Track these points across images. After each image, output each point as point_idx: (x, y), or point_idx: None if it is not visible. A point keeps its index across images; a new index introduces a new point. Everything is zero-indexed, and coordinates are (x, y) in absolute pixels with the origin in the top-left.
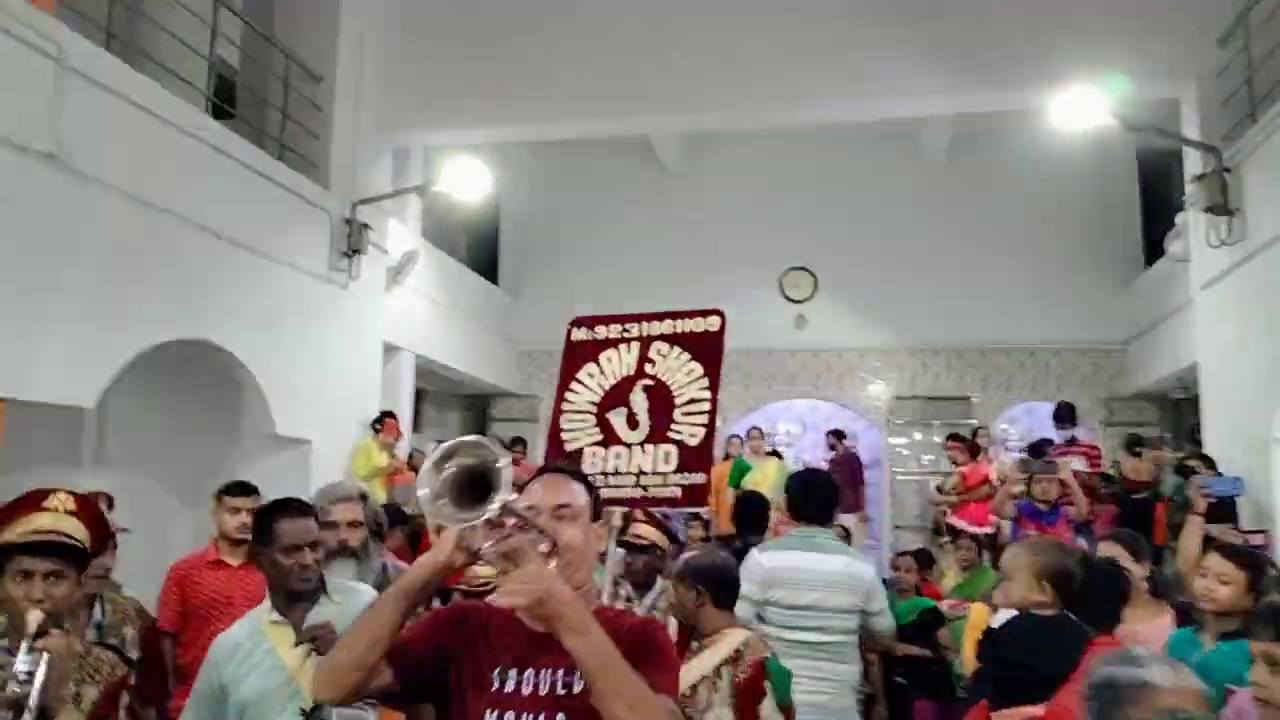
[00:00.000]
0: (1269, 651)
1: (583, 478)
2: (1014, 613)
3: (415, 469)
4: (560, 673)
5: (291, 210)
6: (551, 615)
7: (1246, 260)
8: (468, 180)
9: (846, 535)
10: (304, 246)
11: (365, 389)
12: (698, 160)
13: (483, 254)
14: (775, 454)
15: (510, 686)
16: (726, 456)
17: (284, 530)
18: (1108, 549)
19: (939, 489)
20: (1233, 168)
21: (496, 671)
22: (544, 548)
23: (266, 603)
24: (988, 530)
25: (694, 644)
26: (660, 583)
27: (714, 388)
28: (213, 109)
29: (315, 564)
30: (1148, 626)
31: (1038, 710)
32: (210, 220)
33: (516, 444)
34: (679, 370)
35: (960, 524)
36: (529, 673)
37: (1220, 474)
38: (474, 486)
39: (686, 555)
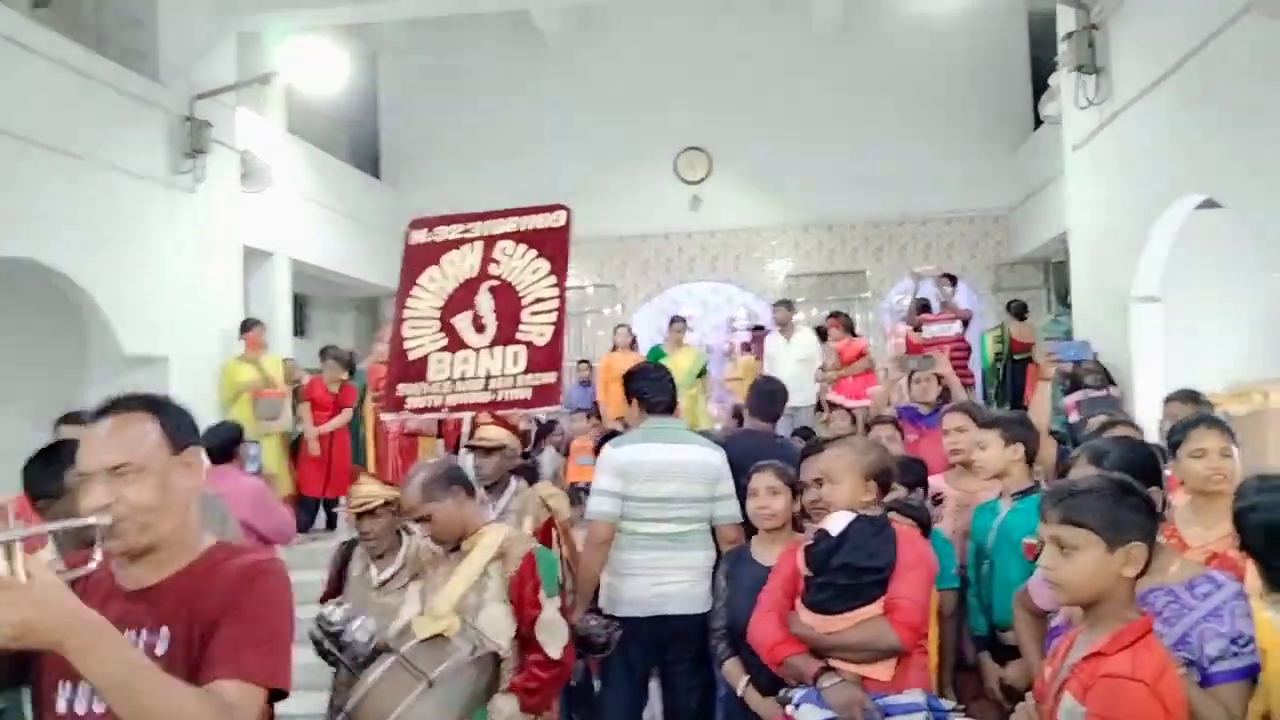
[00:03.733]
0: (1056, 535)
1: (145, 404)
2: (841, 516)
3: (291, 379)
4: (144, 632)
5: (118, 109)
6: (42, 643)
7: (1112, 120)
8: (320, 67)
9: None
10: (137, 149)
11: (226, 298)
12: (582, 37)
13: (364, 149)
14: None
15: (72, 707)
16: (614, 348)
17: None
18: (951, 420)
19: (822, 367)
20: (1099, 24)
21: (58, 688)
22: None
23: None
24: (864, 404)
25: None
26: (513, 483)
27: (562, 284)
28: None
29: None
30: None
31: (875, 609)
32: (18, 125)
33: None
34: (525, 269)
35: (837, 399)
36: (81, 688)
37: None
38: None
39: (423, 469)
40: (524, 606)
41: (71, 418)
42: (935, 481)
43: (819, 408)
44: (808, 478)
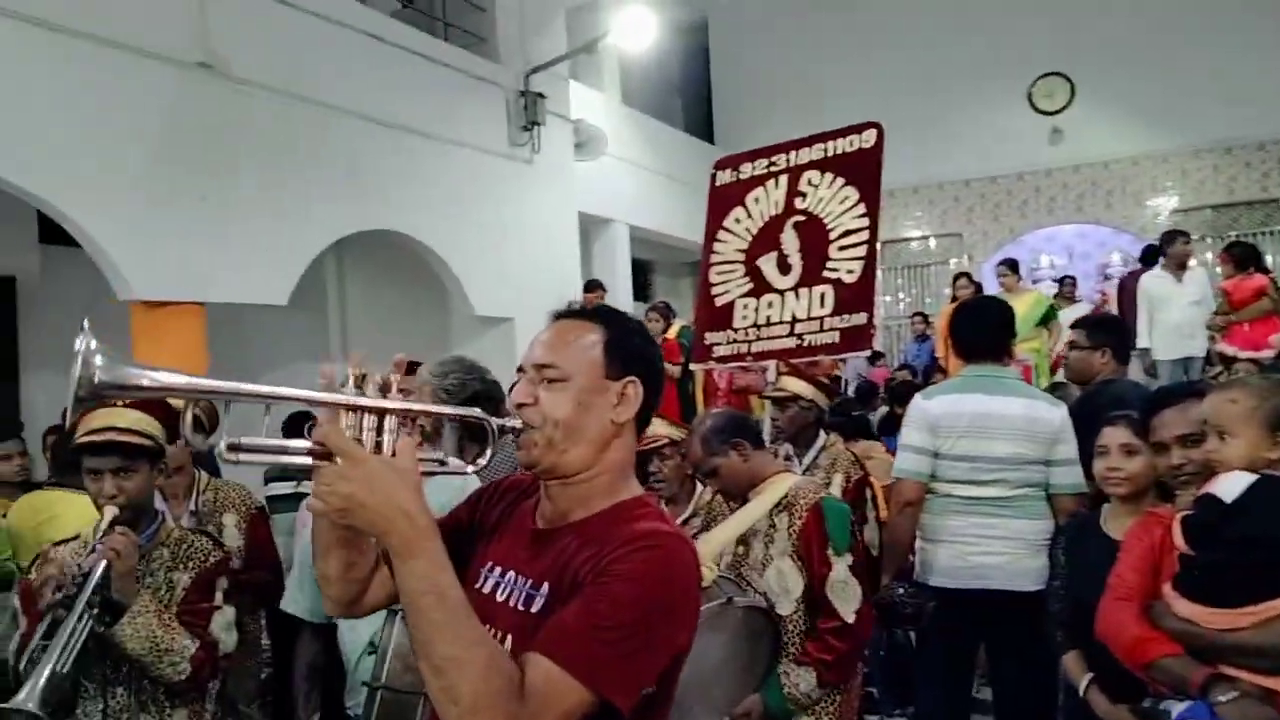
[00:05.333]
0: None
1: (602, 316)
2: (1238, 477)
3: None
4: (529, 583)
5: (461, 89)
6: (365, 528)
7: None
8: (648, 34)
9: None
10: (480, 125)
11: (565, 263)
12: None
13: (697, 114)
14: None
15: (489, 587)
16: (954, 299)
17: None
18: None
19: (1215, 312)
20: None
21: (485, 567)
22: (390, 435)
23: None
24: (1266, 355)
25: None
26: (821, 437)
27: (873, 214)
28: None
29: None
30: None
31: None
32: (377, 110)
33: None
34: (832, 200)
35: (1229, 350)
36: (509, 575)
37: None
38: None
39: (705, 420)
40: (813, 564)
41: None
42: None
43: (1208, 361)
44: (1179, 431)
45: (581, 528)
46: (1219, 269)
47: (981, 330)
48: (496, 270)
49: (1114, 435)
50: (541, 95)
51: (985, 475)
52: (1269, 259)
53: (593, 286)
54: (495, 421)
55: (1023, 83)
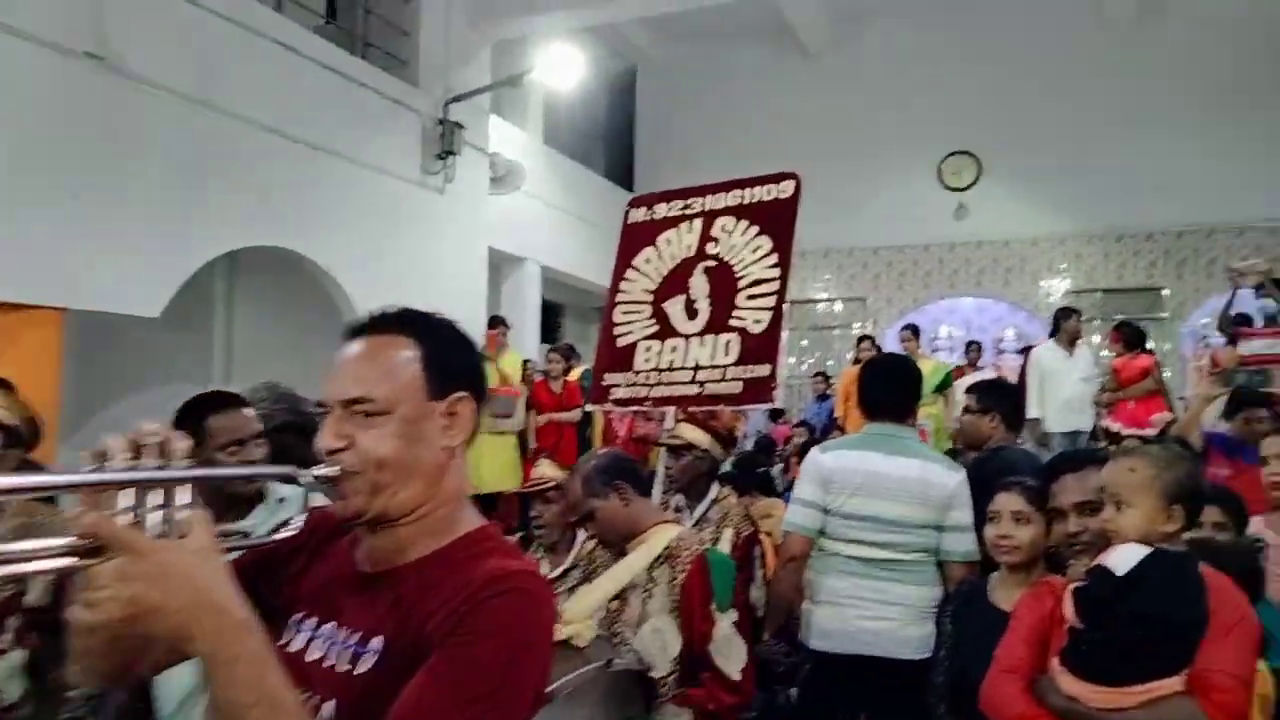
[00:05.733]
0: None
1: (410, 324)
2: (1132, 550)
3: (528, 380)
4: (355, 638)
5: (376, 111)
6: (163, 635)
7: None
8: (574, 74)
9: None
10: (393, 150)
11: (471, 298)
12: (844, 44)
13: (619, 162)
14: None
15: (299, 643)
16: (855, 361)
17: (219, 426)
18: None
19: (1102, 388)
20: None
21: (295, 619)
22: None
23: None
24: (1148, 433)
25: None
26: (714, 490)
27: (784, 266)
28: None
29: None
30: None
31: (1176, 682)
32: (283, 123)
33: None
34: (745, 247)
35: (1115, 426)
36: (326, 629)
37: None
38: None
39: (589, 459)
40: (693, 620)
41: None
42: (1255, 524)
43: (1094, 436)
44: (1077, 497)
45: (419, 570)
46: (1104, 352)
47: (889, 388)
48: (396, 299)
49: (1006, 502)
50: (459, 125)
51: (874, 536)
52: (1151, 343)
53: (495, 323)
54: (305, 477)
55: (933, 158)
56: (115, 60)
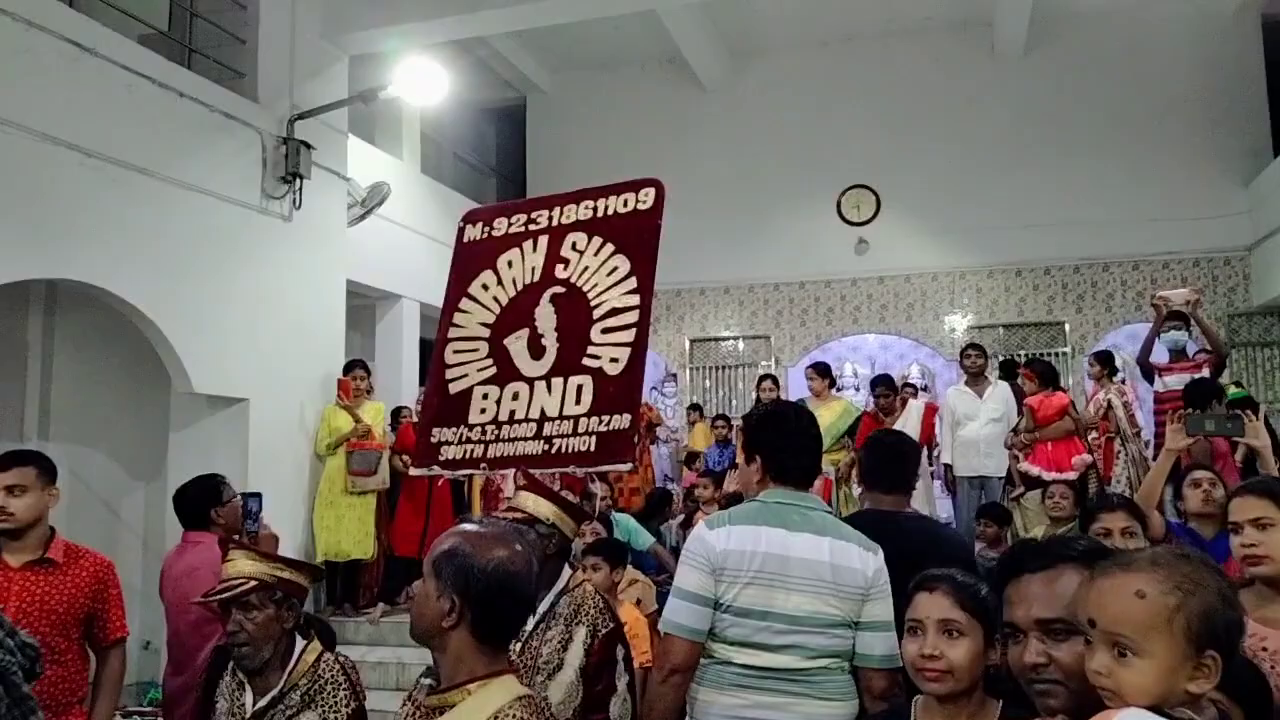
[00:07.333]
0: None
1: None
2: (1137, 715)
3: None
4: None
5: (205, 127)
6: None
7: None
8: (425, 84)
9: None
10: (225, 170)
11: (327, 338)
12: (740, 78)
13: (512, 193)
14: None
15: None
16: (758, 403)
17: None
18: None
19: (1014, 430)
20: None
21: None
22: None
23: None
24: (1069, 476)
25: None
26: (564, 575)
27: (645, 292)
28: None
29: None
30: None
31: None
32: (87, 138)
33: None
34: (598, 269)
35: (1033, 470)
36: None
37: None
38: None
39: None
40: None
41: None
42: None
43: (1009, 480)
44: (1042, 613)
45: None
46: (1024, 381)
47: (796, 446)
48: (230, 341)
49: (930, 606)
50: (308, 145)
51: (775, 639)
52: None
53: (353, 367)
54: None
55: (833, 192)
56: None
